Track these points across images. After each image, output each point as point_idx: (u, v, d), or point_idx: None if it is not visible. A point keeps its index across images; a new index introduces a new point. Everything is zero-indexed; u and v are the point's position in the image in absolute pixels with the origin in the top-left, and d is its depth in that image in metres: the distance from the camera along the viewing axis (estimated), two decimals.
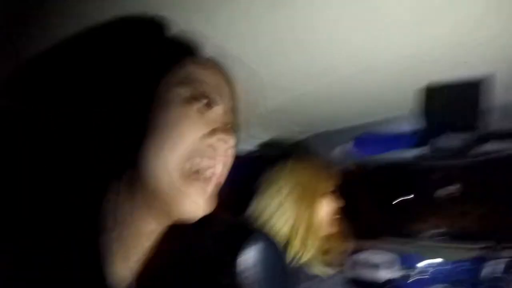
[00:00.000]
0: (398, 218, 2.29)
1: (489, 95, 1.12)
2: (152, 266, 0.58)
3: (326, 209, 1.30)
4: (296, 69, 0.98)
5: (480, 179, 2.04)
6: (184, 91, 0.57)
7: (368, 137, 1.55)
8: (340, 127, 1.60)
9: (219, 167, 0.61)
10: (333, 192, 1.36)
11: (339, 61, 0.94)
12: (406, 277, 1.99)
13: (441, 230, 2.22)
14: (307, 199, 1.26)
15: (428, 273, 1.98)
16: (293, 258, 1.18)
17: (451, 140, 1.40)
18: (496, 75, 1.04)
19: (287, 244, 1.20)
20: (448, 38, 0.84)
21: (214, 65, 0.68)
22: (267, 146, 1.77)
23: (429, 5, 0.70)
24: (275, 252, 0.78)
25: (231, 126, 0.64)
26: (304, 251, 1.19)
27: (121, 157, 0.59)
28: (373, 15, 0.72)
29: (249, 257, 0.66)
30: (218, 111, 0.61)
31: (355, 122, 1.56)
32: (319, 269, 1.21)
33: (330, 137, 1.65)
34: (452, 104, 1.20)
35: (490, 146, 1.43)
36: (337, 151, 1.68)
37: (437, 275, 1.96)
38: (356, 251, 2.01)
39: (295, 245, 1.19)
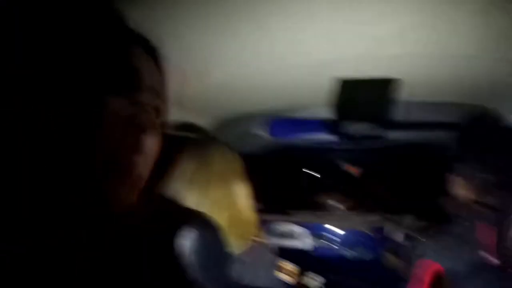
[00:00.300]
0: (309, 194, 2.43)
1: (395, 92, 1.26)
2: None
3: (242, 192, 1.21)
4: (212, 53, 1.01)
5: (381, 161, 2.17)
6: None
7: (282, 121, 1.62)
8: (255, 110, 1.62)
9: (143, 159, 0.58)
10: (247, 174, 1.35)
11: (259, 50, 0.98)
12: (316, 245, 2.20)
13: (347, 204, 2.38)
14: (220, 183, 1.13)
15: (336, 241, 2.23)
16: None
17: (359, 128, 1.56)
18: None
19: None
20: (365, 50, 0.96)
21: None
22: (181, 128, 1.73)
23: (352, 18, 0.80)
24: (213, 237, 0.79)
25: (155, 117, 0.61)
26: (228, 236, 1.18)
27: None
28: (296, 17, 0.80)
29: (186, 243, 0.68)
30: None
31: (271, 106, 1.58)
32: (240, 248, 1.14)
33: (245, 119, 1.67)
34: (362, 97, 1.33)
35: (392, 135, 1.64)
36: (253, 133, 1.70)
37: (343, 243, 2.22)
38: (269, 223, 2.15)
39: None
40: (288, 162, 2.39)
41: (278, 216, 2.24)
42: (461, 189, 1.34)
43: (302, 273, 1.91)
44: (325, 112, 1.54)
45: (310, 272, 1.98)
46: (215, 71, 1.13)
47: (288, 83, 1.27)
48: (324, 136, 1.67)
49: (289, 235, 2.21)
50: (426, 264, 1.19)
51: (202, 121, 1.61)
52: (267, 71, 1.14)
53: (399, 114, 1.45)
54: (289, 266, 1.70)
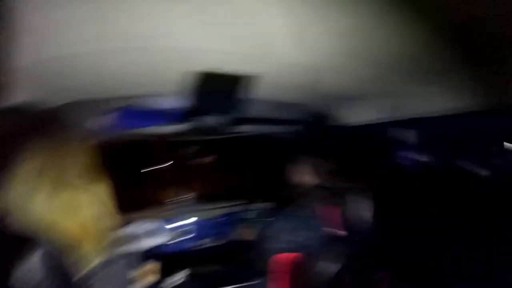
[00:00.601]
0: (157, 187, 2.42)
1: (249, 88, 1.33)
2: None
3: (99, 191, 1.00)
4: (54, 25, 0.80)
5: (230, 152, 2.33)
6: None
7: (132, 110, 1.48)
8: (104, 96, 1.44)
9: None
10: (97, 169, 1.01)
11: (116, 28, 0.83)
12: (172, 240, 2.18)
13: (198, 194, 2.48)
14: (74, 181, 0.93)
15: (190, 233, 2.25)
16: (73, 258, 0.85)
17: (211, 120, 1.58)
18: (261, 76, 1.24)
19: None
20: (229, 46, 0.96)
21: None
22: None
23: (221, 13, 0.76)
24: (51, 260, 0.72)
25: None
26: (82, 245, 0.89)
27: None
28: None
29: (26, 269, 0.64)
30: None
31: (121, 92, 1.43)
32: (96, 257, 0.93)
33: (92, 105, 1.46)
34: (219, 90, 1.33)
35: (242, 128, 1.73)
36: (99, 122, 1.49)
37: (198, 233, 2.27)
38: (122, 225, 2.00)
39: (67, 240, 0.85)
40: (138, 154, 2.26)
41: (130, 215, 2.06)
42: (304, 176, 1.48)
43: (163, 269, 1.83)
44: (178, 102, 1.49)
45: (170, 267, 1.94)
46: (54, 45, 0.91)
47: (142, 67, 1.13)
48: (175, 127, 1.62)
49: (144, 234, 2.07)
50: (282, 259, 1.23)
51: (45, 102, 1.30)
52: (119, 52, 0.99)
53: (251, 109, 1.53)
54: (148, 266, 1.61)
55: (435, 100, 1.36)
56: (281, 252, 1.33)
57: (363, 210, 1.14)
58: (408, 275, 1.40)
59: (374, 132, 1.75)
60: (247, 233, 1.89)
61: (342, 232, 1.26)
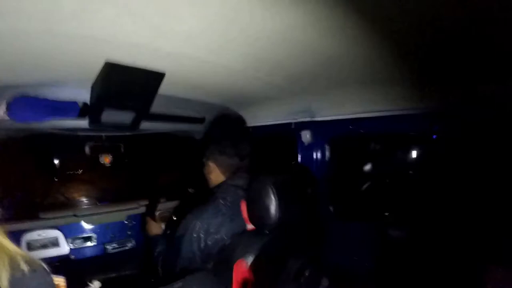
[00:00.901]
0: (57, 190, 2.31)
1: (158, 86, 1.32)
2: None
3: None
4: None
5: (132, 150, 2.32)
6: None
7: (25, 101, 1.32)
8: None
9: None
10: None
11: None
12: (74, 247, 2.04)
13: (97, 196, 2.42)
14: None
15: (93, 238, 2.14)
16: None
17: (116, 116, 1.50)
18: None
19: None
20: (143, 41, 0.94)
21: None
22: None
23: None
24: None
25: None
26: None
27: None
28: None
29: None
30: None
31: (12, 80, 1.26)
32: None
33: None
34: (127, 85, 1.28)
35: (145, 125, 1.69)
36: None
37: (100, 238, 2.16)
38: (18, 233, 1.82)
39: None
40: (33, 150, 2.04)
41: (29, 222, 1.89)
42: (213, 172, 1.51)
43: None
44: (79, 94, 1.42)
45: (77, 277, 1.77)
46: None
47: (42, 53, 1.02)
48: (74, 121, 1.50)
49: (46, 244, 1.91)
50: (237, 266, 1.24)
51: None
52: (20, 31, 0.86)
53: (156, 106, 1.50)
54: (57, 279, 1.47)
55: (341, 105, 1.51)
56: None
57: (266, 199, 1.20)
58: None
59: (279, 132, 1.86)
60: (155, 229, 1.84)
61: (251, 226, 1.32)
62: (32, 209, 1.98)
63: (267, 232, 1.23)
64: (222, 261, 1.23)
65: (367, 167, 2.15)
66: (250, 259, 1.15)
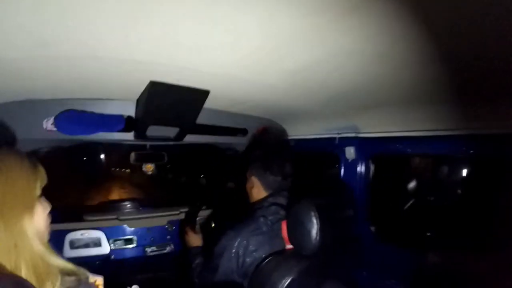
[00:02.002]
0: (102, 194, 2.39)
1: (202, 102, 1.35)
2: None
3: (41, 215, 0.88)
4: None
5: (175, 158, 2.35)
6: None
7: (73, 115, 1.37)
8: (39, 98, 1.34)
9: None
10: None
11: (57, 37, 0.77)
12: (114, 248, 2.13)
13: (140, 201, 2.47)
14: (14, 212, 0.80)
15: (133, 240, 2.22)
16: None
17: (161, 130, 1.55)
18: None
19: None
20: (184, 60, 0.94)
21: None
22: None
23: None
24: None
25: None
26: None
27: None
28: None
29: None
30: None
31: (60, 96, 1.35)
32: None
33: (25, 108, 1.34)
34: (171, 102, 1.31)
35: (188, 138, 1.72)
36: (34, 126, 1.37)
37: (141, 241, 2.24)
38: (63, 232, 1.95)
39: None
40: (80, 160, 2.16)
41: (73, 223, 2.01)
42: (255, 188, 1.50)
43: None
44: (125, 108, 1.48)
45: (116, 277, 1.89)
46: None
47: (92, 75, 1.09)
48: (120, 134, 1.54)
49: (88, 243, 2.03)
50: None
51: None
52: (70, 57, 0.91)
53: (199, 119, 1.53)
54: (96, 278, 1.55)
55: (387, 123, 1.46)
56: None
57: (308, 223, 1.17)
58: None
59: (322, 146, 1.82)
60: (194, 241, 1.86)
61: (290, 246, 1.30)
62: (77, 212, 2.10)
63: (306, 254, 1.20)
64: (258, 282, 1.22)
65: (411, 185, 2.07)
66: (286, 282, 1.13)
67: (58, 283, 0.79)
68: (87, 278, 0.90)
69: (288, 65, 0.97)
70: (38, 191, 0.86)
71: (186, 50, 0.88)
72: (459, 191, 2.03)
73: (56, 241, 1.00)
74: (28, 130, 1.37)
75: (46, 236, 0.89)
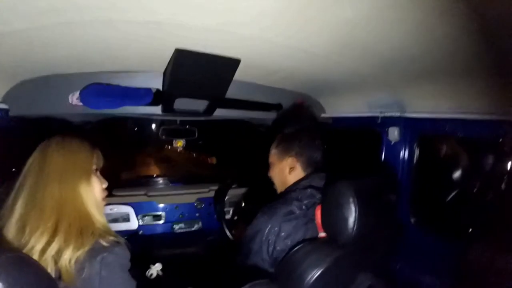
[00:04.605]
0: (131, 169, 2.35)
1: (232, 72, 1.25)
2: None
3: (97, 187, 1.05)
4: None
5: (206, 135, 2.26)
6: None
7: (98, 89, 1.32)
8: (64, 72, 1.31)
9: None
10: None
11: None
12: (142, 224, 2.12)
13: (169, 177, 2.42)
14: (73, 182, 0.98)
15: (162, 217, 2.21)
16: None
17: (189, 103, 1.48)
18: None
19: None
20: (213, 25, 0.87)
21: None
22: None
23: None
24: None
25: None
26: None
27: None
28: None
29: None
30: None
31: (84, 69, 1.31)
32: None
33: (51, 83, 1.32)
34: (199, 72, 1.22)
35: (220, 111, 1.63)
36: (60, 101, 1.35)
37: (169, 217, 2.23)
38: None
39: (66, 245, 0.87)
40: (107, 135, 2.15)
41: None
42: (294, 169, 1.38)
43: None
44: (152, 81, 1.42)
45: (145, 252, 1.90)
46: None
47: (113, 43, 1.03)
48: (148, 108, 1.47)
49: (117, 218, 2.05)
50: None
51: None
52: (86, 23, 0.85)
53: (229, 92, 1.44)
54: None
55: (437, 101, 1.28)
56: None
57: (345, 209, 1.04)
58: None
59: (362, 126, 1.67)
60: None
61: (323, 234, 1.18)
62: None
63: (341, 243, 1.08)
64: (286, 271, 1.12)
65: (457, 174, 1.88)
66: (317, 273, 1.02)
67: (97, 237, 0.91)
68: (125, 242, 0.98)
69: (323, 27, 0.85)
70: (94, 166, 1.06)
71: (213, 12, 0.78)
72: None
73: None
74: (54, 105, 1.36)
75: (102, 206, 1.09)
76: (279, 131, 1.52)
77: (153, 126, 2.12)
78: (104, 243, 0.89)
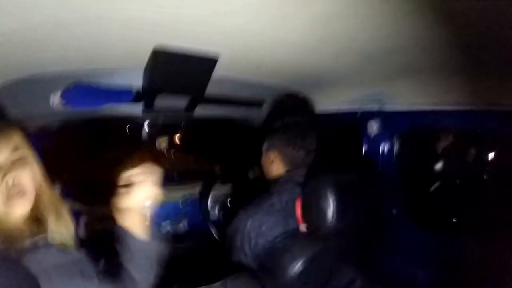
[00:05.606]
0: (116, 169, 2.34)
1: (213, 69, 1.23)
2: None
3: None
4: None
5: (189, 133, 2.26)
6: None
7: (80, 88, 1.29)
8: (44, 72, 1.25)
9: None
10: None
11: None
12: None
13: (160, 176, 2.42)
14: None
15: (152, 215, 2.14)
16: None
17: (170, 101, 1.46)
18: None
19: None
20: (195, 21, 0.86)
21: None
22: None
23: None
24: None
25: None
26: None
27: None
28: None
29: None
30: None
31: (65, 68, 1.25)
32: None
33: (31, 84, 1.28)
34: (180, 70, 1.21)
35: (201, 109, 1.63)
36: (41, 102, 1.32)
37: (160, 215, 2.17)
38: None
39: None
40: (88, 136, 2.11)
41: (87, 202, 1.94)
42: (274, 164, 1.39)
43: None
44: (133, 80, 1.37)
45: None
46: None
47: (95, 41, 1.00)
48: (129, 107, 1.47)
49: None
50: None
51: None
52: (66, 21, 0.83)
53: (211, 89, 1.41)
54: None
55: (416, 95, 1.31)
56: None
57: (324, 202, 1.06)
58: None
59: (344, 121, 1.69)
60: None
61: (303, 227, 1.19)
62: (90, 188, 2.05)
63: (321, 236, 1.10)
64: (268, 264, 1.13)
65: (438, 166, 1.91)
66: (298, 267, 1.03)
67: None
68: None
69: (306, 17, 0.84)
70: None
71: (194, 4, 0.77)
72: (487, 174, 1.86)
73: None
74: (35, 107, 1.34)
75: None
76: (265, 126, 1.53)
77: (135, 126, 2.09)
78: None
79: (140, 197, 0.96)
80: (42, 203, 0.92)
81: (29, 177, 0.87)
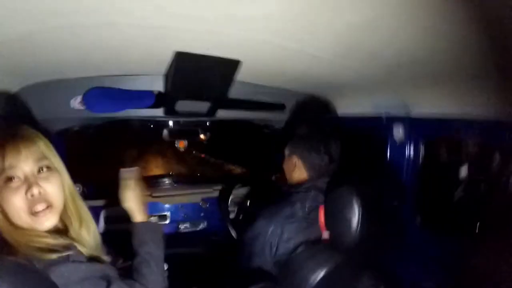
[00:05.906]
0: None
1: (234, 73, 1.23)
2: None
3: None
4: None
5: (210, 135, 2.26)
6: None
7: (101, 93, 1.32)
8: (66, 77, 1.30)
9: None
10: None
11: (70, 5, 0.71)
12: None
13: (175, 178, 2.42)
14: None
15: (167, 217, 2.21)
16: None
17: (191, 105, 1.47)
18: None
19: None
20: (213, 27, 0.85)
21: None
22: None
23: None
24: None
25: None
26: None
27: None
28: None
29: None
30: None
31: (86, 73, 1.30)
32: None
33: (52, 88, 1.31)
34: (201, 74, 1.23)
35: (222, 113, 1.63)
36: (62, 106, 1.34)
37: (174, 217, 2.23)
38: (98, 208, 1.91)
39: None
40: (109, 138, 2.15)
41: (107, 199, 1.98)
42: (296, 169, 1.37)
43: None
44: (154, 83, 1.41)
45: None
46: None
47: (115, 46, 1.01)
48: (150, 110, 1.48)
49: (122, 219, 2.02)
50: None
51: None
52: (88, 26, 0.83)
53: (232, 93, 1.43)
54: None
55: (442, 102, 1.27)
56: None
57: (348, 212, 1.04)
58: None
59: (368, 126, 1.66)
60: None
61: (327, 234, 1.18)
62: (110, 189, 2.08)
63: (345, 245, 1.08)
64: (289, 273, 1.12)
65: (463, 173, 1.86)
66: (319, 276, 1.02)
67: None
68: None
69: (329, 30, 0.83)
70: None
71: (212, 14, 0.77)
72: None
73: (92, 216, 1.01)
74: (56, 110, 1.36)
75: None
76: (287, 131, 1.51)
77: (156, 127, 2.11)
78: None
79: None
80: (69, 213, 0.90)
81: (56, 188, 0.84)
